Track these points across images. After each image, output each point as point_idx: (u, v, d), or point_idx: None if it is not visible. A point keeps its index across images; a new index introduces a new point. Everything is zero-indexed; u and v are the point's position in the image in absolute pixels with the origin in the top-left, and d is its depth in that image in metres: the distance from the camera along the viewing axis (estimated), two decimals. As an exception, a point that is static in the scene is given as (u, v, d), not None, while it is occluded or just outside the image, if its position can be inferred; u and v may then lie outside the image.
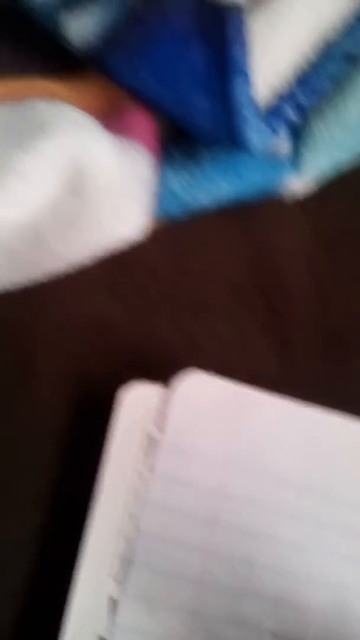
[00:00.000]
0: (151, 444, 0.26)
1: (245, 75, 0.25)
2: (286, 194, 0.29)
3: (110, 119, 0.25)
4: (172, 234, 0.29)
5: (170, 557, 0.25)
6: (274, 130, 0.27)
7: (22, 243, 0.24)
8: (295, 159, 0.28)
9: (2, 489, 0.26)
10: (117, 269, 0.28)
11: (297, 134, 0.29)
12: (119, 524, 0.25)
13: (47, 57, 0.25)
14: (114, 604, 0.25)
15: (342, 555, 0.26)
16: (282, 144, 0.28)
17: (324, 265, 0.30)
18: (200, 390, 0.26)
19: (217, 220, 0.29)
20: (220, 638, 0.25)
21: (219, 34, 0.24)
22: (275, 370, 0.29)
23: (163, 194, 0.26)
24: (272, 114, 0.27)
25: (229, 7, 0.24)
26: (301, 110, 0.27)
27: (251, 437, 0.26)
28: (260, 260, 0.30)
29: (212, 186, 0.27)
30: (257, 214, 0.30)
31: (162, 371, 0.27)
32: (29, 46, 0.25)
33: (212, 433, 0.26)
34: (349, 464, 0.27)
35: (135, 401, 0.26)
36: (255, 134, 0.26)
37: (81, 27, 0.24)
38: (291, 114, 0.27)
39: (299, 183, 0.29)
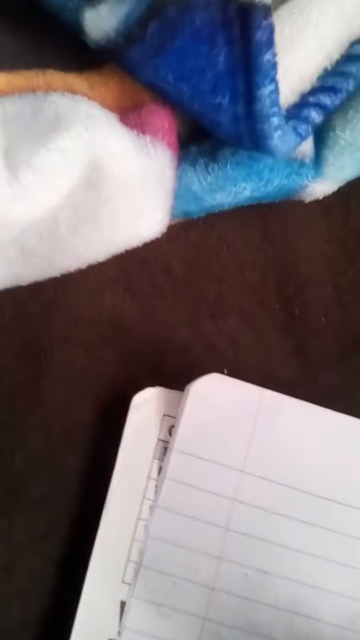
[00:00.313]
0: (163, 448, 0.26)
1: (272, 80, 0.24)
2: (308, 196, 0.29)
3: (130, 115, 0.24)
4: (189, 234, 0.29)
5: (180, 561, 0.25)
6: (298, 133, 0.26)
7: (37, 240, 0.23)
8: (319, 163, 0.28)
9: (12, 485, 0.26)
10: (132, 266, 0.28)
11: (321, 138, 0.28)
12: (129, 528, 0.25)
13: (67, 51, 0.24)
14: (124, 607, 0.24)
15: (358, 566, 0.25)
16: (306, 146, 0.28)
17: (344, 269, 0.29)
18: (216, 392, 0.26)
19: (236, 221, 0.29)
20: (231, 645, 0.24)
21: (246, 35, 0.24)
22: (293, 375, 0.29)
23: (182, 194, 0.26)
24: (296, 116, 0.26)
25: (256, 7, 0.24)
26: (325, 112, 0.27)
27: (269, 440, 0.26)
28: (279, 263, 0.29)
29: (233, 187, 0.26)
30: (277, 215, 0.29)
31: (178, 372, 0.27)
32: (49, 40, 0.24)
33: (228, 436, 0.26)
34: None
35: (148, 406, 0.26)
36: (279, 137, 0.25)
37: (101, 21, 0.23)
38: (315, 116, 0.26)
39: (321, 186, 0.28)
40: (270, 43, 0.24)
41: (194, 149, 0.26)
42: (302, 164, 0.28)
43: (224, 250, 0.29)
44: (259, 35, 0.23)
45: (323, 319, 0.29)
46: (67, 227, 0.24)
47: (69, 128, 0.22)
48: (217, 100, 0.24)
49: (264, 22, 0.23)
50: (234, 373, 0.27)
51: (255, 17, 0.23)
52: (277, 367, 0.28)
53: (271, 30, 0.24)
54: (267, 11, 0.24)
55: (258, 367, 0.28)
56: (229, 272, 0.29)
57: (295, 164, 0.27)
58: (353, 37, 0.27)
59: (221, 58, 0.24)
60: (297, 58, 0.26)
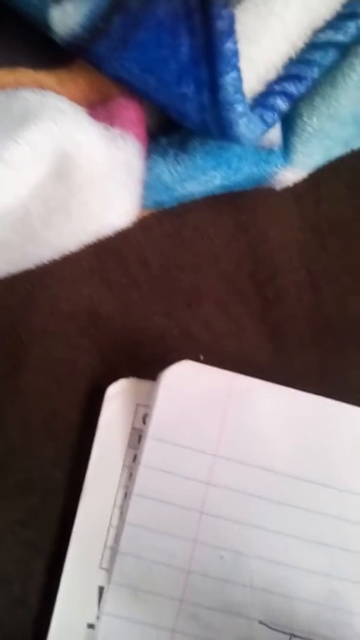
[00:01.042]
0: (137, 437, 0.26)
1: (234, 67, 0.24)
2: (278, 184, 0.29)
3: (99, 108, 0.25)
4: (164, 225, 0.29)
5: (157, 546, 0.25)
6: (264, 121, 0.26)
7: (11, 232, 0.24)
8: (287, 151, 0.28)
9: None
10: (108, 259, 0.28)
11: (289, 126, 0.28)
12: (106, 515, 0.25)
13: (36, 49, 0.24)
14: (102, 593, 0.24)
15: (332, 544, 0.26)
16: (273, 134, 0.28)
17: (317, 255, 0.29)
18: (187, 379, 0.26)
19: (209, 211, 0.29)
20: (208, 626, 0.25)
21: (207, 25, 0.24)
22: (268, 360, 0.29)
23: (153, 184, 0.26)
24: (262, 104, 0.26)
25: (216, -3, 0.24)
26: (291, 100, 0.27)
27: (241, 424, 0.26)
28: (253, 251, 0.29)
29: (203, 176, 0.26)
30: (249, 204, 0.29)
31: (155, 360, 0.27)
32: (18, 40, 0.24)
33: (201, 422, 0.26)
34: (343, 451, 0.26)
35: (122, 397, 0.26)
36: (245, 124, 0.25)
37: (66, 18, 0.23)
38: (281, 104, 0.26)
39: (291, 174, 0.28)
40: (231, 32, 0.24)
41: (163, 140, 0.26)
42: (270, 152, 0.28)
43: (198, 240, 0.29)
44: (220, 25, 0.23)
45: (297, 304, 0.29)
46: (40, 219, 0.24)
47: (37, 122, 0.22)
48: (183, 90, 0.24)
49: (224, 12, 0.23)
50: (210, 359, 0.28)
51: (216, 6, 0.23)
52: (253, 352, 0.28)
53: (231, 19, 0.24)
54: (227, 1, 0.24)
55: (234, 352, 0.28)
56: (203, 261, 0.29)
57: (264, 152, 0.27)
58: (316, 26, 0.27)
59: (184, 48, 0.24)
60: (262, 48, 0.26)
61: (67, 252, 0.25)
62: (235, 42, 0.24)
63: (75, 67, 0.25)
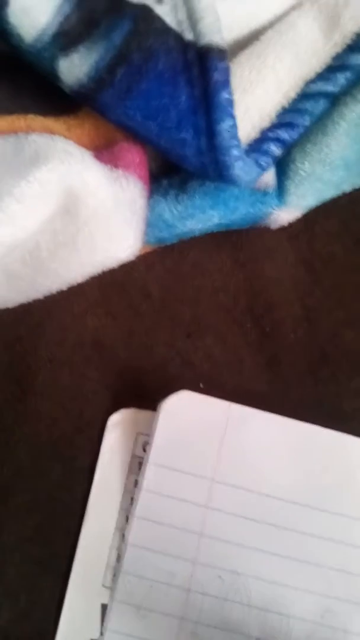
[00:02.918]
0: (138, 464, 0.26)
1: (230, 116, 0.26)
2: (273, 223, 0.30)
3: (104, 152, 0.26)
4: (166, 260, 0.30)
5: (158, 566, 0.25)
6: (259, 165, 0.27)
7: (21, 264, 0.25)
8: (282, 192, 0.29)
9: (1, 493, 0.27)
10: (113, 292, 0.29)
11: (283, 170, 0.29)
12: (108, 536, 0.26)
13: (46, 97, 0.26)
14: (105, 610, 0.25)
15: (327, 565, 0.26)
16: (268, 177, 0.29)
17: (311, 290, 0.30)
18: (186, 408, 0.27)
19: (208, 248, 0.30)
20: (208, 643, 0.25)
21: (205, 77, 0.25)
22: (265, 389, 0.29)
23: (155, 222, 0.27)
24: (257, 149, 0.27)
25: (213, 51, 0.25)
26: (284, 146, 0.28)
27: (237, 450, 0.26)
28: (250, 286, 0.30)
29: (202, 215, 0.27)
30: (246, 241, 0.30)
31: (157, 387, 0.28)
32: (29, 87, 0.26)
33: (199, 448, 0.26)
34: (336, 477, 0.27)
35: (123, 426, 0.27)
36: (240, 167, 0.26)
37: (74, 69, 0.25)
38: (274, 149, 0.27)
39: (285, 214, 0.30)
40: (226, 83, 0.25)
41: (164, 182, 0.28)
42: (265, 194, 0.29)
43: (198, 275, 0.30)
44: (217, 76, 0.25)
45: (292, 336, 0.30)
46: (48, 251, 0.25)
47: (46, 162, 0.24)
48: (182, 135, 0.25)
49: (220, 64, 0.25)
50: (209, 388, 0.28)
51: (212, 60, 0.25)
52: (250, 382, 0.29)
53: (227, 71, 0.25)
54: (223, 54, 0.25)
55: (232, 381, 0.29)
56: (203, 295, 0.30)
57: (259, 193, 0.29)
58: (308, 77, 0.28)
59: (183, 98, 0.25)
60: (257, 98, 0.27)
61: (74, 283, 0.26)
62: (230, 93, 0.25)
63: (82, 114, 0.27)
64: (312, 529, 0.26)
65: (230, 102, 0.25)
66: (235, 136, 0.26)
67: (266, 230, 0.30)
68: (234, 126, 0.25)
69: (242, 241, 0.30)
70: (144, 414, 0.27)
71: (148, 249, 0.29)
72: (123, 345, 0.29)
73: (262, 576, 0.25)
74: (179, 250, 0.30)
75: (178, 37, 0.25)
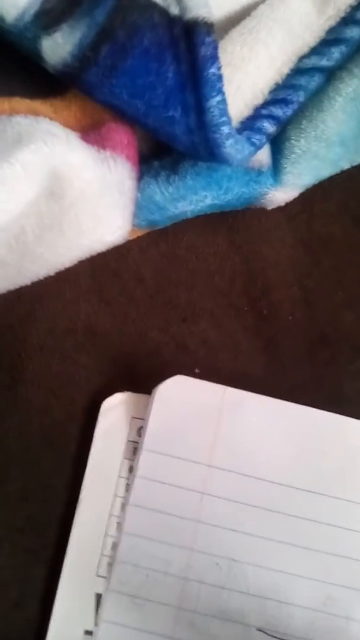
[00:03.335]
0: (132, 449, 0.26)
1: (219, 92, 0.25)
2: (269, 204, 0.29)
3: (91, 133, 0.25)
4: (159, 244, 0.29)
5: (153, 554, 0.25)
6: (252, 143, 0.27)
7: (7, 249, 0.24)
8: (277, 172, 0.28)
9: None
10: (106, 278, 0.28)
11: (279, 148, 0.29)
12: (102, 524, 0.25)
13: (33, 79, 0.25)
14: (99, 600, 0.24)
15: (327, 551, 0.25)
16: (263, 156, 0.28)
17: (309, 271, 0.30)
18: (181, 393, 0.26)
19: (203, 231, 0.29)
20: (206, 632, 0.24)
21: (192, 52, 0.24)
22: (263, 372, 0.28)
23: (146, 204, 0.26)
24: (250, 127, 0.26)
25: (200, 25, 0.24)
26: (278, 123, 0.27)
27: (233, 435, 0.26)
28: (246, 268, 0.29)
29: (194, 196, 0.27)
30: (242, 223, 0.30)
31: (152, 373, 0.27)
32: (14, 70, 0.25)
33: (195, 434, 0.26)
34: (335, 460, 0.26)
35: (117, 410, 0.26)
36: (232, 145, 0.25)
37: (57, 48, 0.24)
38: (268, 126, 0.27)
39: (281, 194, 0.29)
40: (214, 57, 0.24)
41: (155, 163, 0.27)
42: (260, 173, 0.28)
43: (193, 259, 0.29)
44: (204, 51, 0.24)
45: (290, 318, 0.29)
46: (34, 235, 0.24)
47: (29, 143, 0.23)
48: (170, 113, 0.25)
49: (207, 39, 0.24)
50: (205, 373, 0.28)
51: (199, 34, 0.24)
52: (247, 365, 0.28)
53: (214, 45, 0.24)
54: (210, 28, 0.24)
55: (229, 366, 0.28)
56: (198, 279, 0.29)
57: (254, 173, 0.28)
58: (301, 52, 0.27)
59: (170, 74, 0.24)
60: (249, 74, 0.27)
61: (62, 268, 0.26)
62: (219, 68, 0.24)
63: (69, 96, 0.26)
64: (311, 514, 0.25)
65: (219, 78, 0.24)
66: (225, 113, 0.25)
67: (263, 211, 0.29)
68: (224, 102, 0.25)
69: (239, 223, 0.30)
70: (138, 397, 0.26)
71: (140, 233, 0.28)
72: (117, 331, 0.28)
73: (260, 563, 0.25)
74: (173, 233, 0.29)
75: (163, 12, 0.24)
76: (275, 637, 0.24)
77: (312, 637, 0.24)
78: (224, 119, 0.25)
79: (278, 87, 0.27)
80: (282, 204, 0.29)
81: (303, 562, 0.25)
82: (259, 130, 0.27)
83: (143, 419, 0.26)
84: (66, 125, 0.25)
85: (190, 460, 0.25)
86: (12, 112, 0.24)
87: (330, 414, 0.26)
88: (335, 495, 0.25)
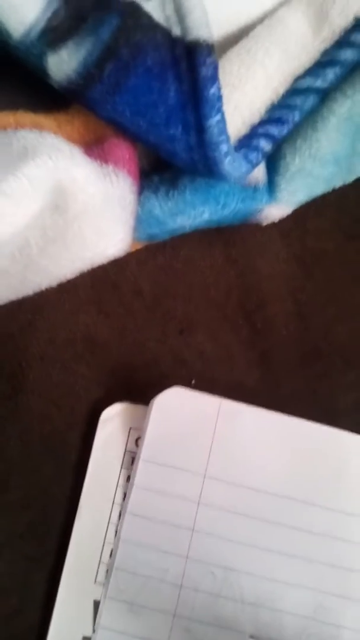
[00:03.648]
0: (130, 458, 0.26)
1: (218, 111, 0.25)
2: (264, 219, 0.30)
3: (93, 148, 0.26)
4: (157, 258, 0.30)
5: (150, 562, 0.25)
6: (249, 160, 0.27)
7: (10, 260, 0.24)
8: (272, 188, 0.29)
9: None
10: (105, 290, 0.29)
11: (274, 166, 0.29)
12: (101, 532, 0.25)
13: (37, 94, 0.26)
14: (97, 607, 0.25)
15: (319, 560, 0.26)
16: (258, 173, 0.29)
17: (303, 285, 0.30)
18: (178, 404, 0.26)
19: (200, 245, 0.30)
20: (200, 639, 0.24)
21: (193, 72, 0.25)
22: (257, 385, 0.29)
23: (146, 218, 0.27)
24: (246, 145, 0.27)
25: (201, 46, 0.25)
26: (274, 141, 0.28)
27: (229, 446, 0.26)
28: (242, 282, 0.30)
29: (192, 211, 0.27)
30: (238, 238, 0.30)
31: (149, 384, 0.28)
32: (19, 84, 0.26)
33: (191, 444, 0.26)
34: (328, 472, 0.27)
35: (116, 420, 0.27)
36: (230, 163, 0.26)
37: (62, 65, 0.24)
38: (264, 145, 0.27)
39: (276, 210, 0.29)
40: (214, 78, 0.25)
41: (155, 178, 0.28)
42: (256, 189, 0.28)
43: (189, 272, 0.30)
44: (205, 71, 0.25)
45: (284, 332, 0.29)
46: (38, 247, 0.25)
47: (35, 158, 0.23)
48: (171, 131, 0.25)
49: (208, 60, 0.25)
50: (201, 384, 0.28)
51: (200, 55, 0.25)
52: (242, 377, 0.29)
53: (215, 66, 0.25)
54: (211, 49, 0.25)
55: (224, 377, 0.29)
56: (195, 292, 0.30)
57: (250, 189, 0.28)
58: (297, 73, 0.28)
59: (172, 93, 0.25)
60: (246, 94, 0.27)
61: (64, 280, 0.26)
62: (219, 88, 0.25)
63: (72, 110, 0.27)
64: (304, 524, 0.26)
65: (219, 98, 0.25)
66: (224, 132, 0.25)
67: (258, 226, 0.30)
68: (223, 121, 0.25)
69: (234, 238, 0.30)
70: (137, 408, 0.27)
71: (139, 246, 0.28)
72: (115, 342, 0.29)
73: (254, 572, 0.25)
74: (171, 247, 0.30)
75: (166, 32, 0.25)
76: (269, 644, 0.24)
77: (305, 644, 0.25)
78: (223, 137, 0.25)
79: (274, 107, 0.28)
80: (277, 219, 0.30)
81: (295, 570, 0.25)
82: (256, 149, 0.27)
83: (141, 430, 0.26)
84: (69, 139, 0.26)
85: (186, 470, 0.26)
86: (18, 126, 0.25)
87: (323, 426, 0.27)
88: (327, 505, 0.26)
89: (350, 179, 0.30)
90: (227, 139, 0.26)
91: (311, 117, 0.28)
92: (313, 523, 0.26)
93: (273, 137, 0.28)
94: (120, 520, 0.25)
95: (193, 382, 0.28)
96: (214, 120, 0.25)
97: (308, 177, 0.29)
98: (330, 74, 0.27)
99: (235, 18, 0.29)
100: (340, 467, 0.26)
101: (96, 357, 0.28)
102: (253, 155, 0.27)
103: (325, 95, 0.28)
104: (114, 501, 0.26)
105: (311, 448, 0.26)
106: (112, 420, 0.27)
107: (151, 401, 0.26)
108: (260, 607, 0.25)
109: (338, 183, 0.30)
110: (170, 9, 0.25)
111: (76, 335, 0.28)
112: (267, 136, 0.27)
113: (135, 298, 0.29)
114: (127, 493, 0.26)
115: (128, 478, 0.26)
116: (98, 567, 0.25)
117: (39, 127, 0.25)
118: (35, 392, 0.27)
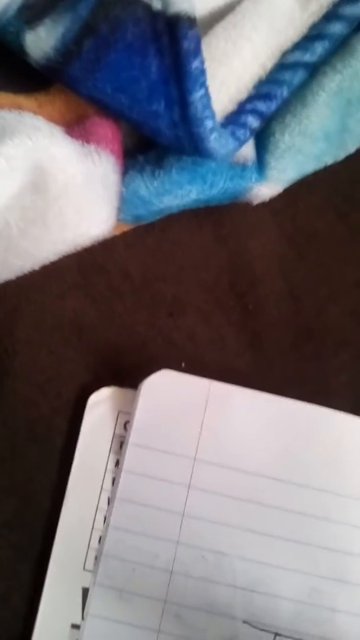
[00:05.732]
0: (119, 443, 0.26)
1: (202, 85, 0.25)
2: (254, 198, 0.29)
3: (75, 127, 0.25)
4: (146, 239, 0.29)
5: (140, 548, 0.24)
6: (236, 137, 0.26)
7: (-10, 243, 0.24)
8: (262, 167, 0.28)
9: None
10: (92, 273, 0.28)
11: (263, 144, 0.28)
12: (89, 518, 0.25)
13: (16, 73, 0.25)
14: (86, 594, 0.24)
15: (313, 543, 0.25)
16: (247, 150, 0.28)
17: (294, 265, 0.29)
18: (167, 387, 0.26)
19: (189, 226, 0.29)
20: (193, 626, 0.24)
21: (175, 46, 0.24)
22: (249, 367, 0.28)
23: (131, 199, 0.26)
24: (234, 122, 0.26)
25: (182, 20, 0.24)
26: (262, 117, 0.27)
27: (219, 428, 0.26)
28: (233, 262, 0.29)
29: (179, 190, 0.27)
30: (228, 218, 0.29)
31: (139, 368, 0.27)
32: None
33: (181, 427, 0.26)
34: (320, 453, 0.26)
35: (104, 405, 0.26)
36: (216, 139, 0.25)
37: (40, 42, 0.24)
38: (252, 121, 0.27)
39: (266, 188, 0.29)
40: (197, 51, 0.24)
41: (140, 157, 0.27)
42: (245, 167, 0.28)
43: (179, 253, 0.29)
44: (187, 45, 0.24)
45: (276, 313, 0.29)
46: (18, 229, 0.24)
47: (13, 137, 0.23)
48: (154, 107, 0.25)
49: (190, 33, 0.24)
50: (192, 367, 0.27)
51: (182, 28, 0.24)
52: (233, 359, 0.28)
53: (197, 39, 0.24)
54: (192, 22, 0.24)
55: (215, 360, 0.28)
56: (184, 273, 0.29)
57: (238, 167, 0.28)
58: (285, 47, 0.27)
59: (153, 68, 0.24)
60: (233, 69, 0.26)
61: (48, 262, 0.26)
62: (202, 62, 0.24)
63: (53, 90, 0.26)
64: (296, 506, 0.25)
65: (202, 72, 0.24)
66: (208, 107, 0.25)
67: (248, 206, 0.29)
68: (207, 96, 0.24)
69: (224, 218, 0.30)
70: (125, 392, 0.26)
71: (126, 228, 0.28)
72: (103, 326, 0.28)
73: (246, 556, 0.24)
74: (159, 228, 0.29)
75: (146, 6, 0.24)
76: (261, 628, 0.24)
77: (298, 629, 0.24)
78: (207, 113, 0.25)
79: (262, 82, 0.27)
80: (267, 198, 0.29)
81: (289, 554, 0.25)
82: (243, 125, 0.26)
83: (129, 414, 0.26)
84: (50, 119, 0.25)
85: (176, 454, 0.25)
86: (-3, 107, 0.24)
87: (316, 406, 0.26)
88: (320, 487, 0.25)
89: (340, 155, 0.29)
90: (212, 114, 0.25)
91: (300, 93, 0.28)
92: (306, 505, 0.25)
93: (261, 113, 0.27)
94: (109, 505, 0.25)
95: (183, 365, 0.28)
96: (197, 95, 0.24)
97: (298, 154, 0.28)
98: (319, 47, 0.27)
99: (221, -7, 0.28)
100: (333, 447, 0.26)
101: (83, 341, 0.28)
102: (240, 132, 0.26)
103: (314, 70, 0.27)
104: (102, 487, 0.25)
105: (304, 429, 0.26)
106: (100, 404, 0.26)
107: (140, 384, 0.26)
108: (253, 591, 0.24)
109: (329, 160, 0.29)
110: (150, -18, 0.24)
111: (63, 319, 0.28)
112: (255, 112, 0.27)
113: (124, 281, 0.28)
114: (116, 478, 0.25)
115: (117, 463, 0.25)
116: (86, 554, 0.24)
117: (19, 108, 0.25)
118: (21, 377, 0.27)
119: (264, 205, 0.29)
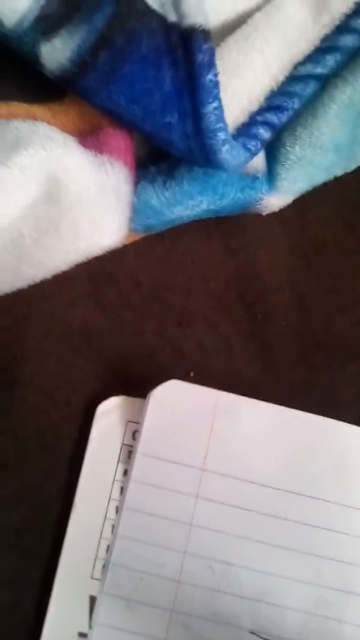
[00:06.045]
0: (127, 452, 0.26)
1: (215, 98, 0.25)
2: (264, 209, 0.29)
3: (88, 138, 0.25)
4: (155, 249, 0.29)
5: (147, 558, 0.25)
6: (247, 149, 0.27)
7: (3, 252, 0.24)
8: (272, 178, 0.28)
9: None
10: (102, 282, 0.28)
11: (274, 155, 0.29)
12: (97, 527, 0.25)
13: (32, 84, 0.25)
14: (93, 603, 0.24)
15: (319, 554, 0.25)
16: (258, 162, 0.28)
17: (303, 276, 0.29)
18: (175, 397, 0.26)
19: (199, 236, 0.29)
20: (200, 635, 0.24)
21: (189, 58, 0.24)
22: (257, 377, 0.28)
23: (143, 209, 0.26)
24: (245, 133, 0.26)
25: (197, 32, 0.24)
26: (273, 129, 0.27)
27: (227, 439, 0.26)
28: (241, 273, 0.29)
29: (190, 201, 0.27)
30: (238, 229, 0.30)
31: (147, 377, 0.27)
32: (13, 75, 0.25)
33: (189, 438, 0.26)
34: (328, 464, 0.26)
35: (113, 414, 0.26)
36: (228, 151, 0.25)
37: (56, 53, 0.24)
38: (263, 133, 0.27)
39: (276, 199, 0.29)
40: (211, 64, 0.24)
41: (152, 168, 0.27)
42: (255, 179, 0.28)
43: (188, 263, 0.29)
44: (201, 58, 0.24)
45: (284, 323, 0.29)
46: (32, 239, 0.24)
47: (27, 147, 0.23)
48: (167, 119, 0.25)
49: (204, 46, 0.24)
50: (200, 377, 0.28)
51: (196, 41, 0.24)
52: (242, 369, 0.28)
53: (211, 52, 0.24)
54: (207, 36, 0.24)
55: (223, 370, 0.28)
56: (193, 284, 0.29)
57: (249, 179, 0.28)
58: (296, 59, 0.27)
59: (167, 80, 0.24)
60: (245, 81, 0.27)
61: (59, 272, 0.26)
62: (215, 74, 0.24)
63: (68, 100, 0.26)
64: (303, 517, 0.25)
65: (216, 84, 0.24)
66: (221, 119, 0.25)
67: (258, 217, 0.29)
68: (220, 109, 0.25)
69: (234, 228, 0.30)
70: (134, 401, 0.26)
71: (136, 237, 0.28)
72: (112, 334, 0.28)
73: (253, 566, 0.24)
74: (169, 238, 0.29)
75: (161, 18, 0.24)
76: (268, 638, 0.24)
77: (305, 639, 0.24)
78: (220, 125, 0.25)
79: (273, 94, 0.27)
80: (277, 209, 0.29)
81: (295, 564, 0.25)
82: (254, 137, 0.27)
83: (138, 423, 0.26)
84: (64, 129, 0.25)
85: (184, 464, 0.25)
86: (11, 117, 0.24)
87: (323, 418, 0.26)
88: (327, 498, 0.25)
89: (351, 167, 0.29)
90: (225, 126, 0.25)
91: (311, 105, 0.28)
92: (313, 516, 0.25)
93: (272, 125, 0.27)
94: (117, 515, 0.25)
95: (192, 374, 0.28)
96: (210, 107, 0.24)
97: (308, 165, 0.28)
98: (331, 60, 0.27)
99: (233, 5, 0.28)
100: (341, 459, 0.26)
101: (93, 349, 0.28)
102: (252, 144, 0.27)
103: (325, 82, 0.27)
104: (110, 496, 0.25)
105: (311, 440, 0.26)
106: (109, 413, 0.26)
107: (148, 394, 0.26)
108: (260, 601, 0.24)
109: (339, 171, 0.29)
110: (165, -5, 0.24)
111: (72, 327, 0.28)
112: (266, 124, 0.27)
113: (133, 290, 0.29)
114: (124, 487, 0.25)
115: (125, 472, 0.26)
116: (94, 563, 0.25)
117: (33, 118, 0.25)
118: (30, 385, 0.27)
119: (273, 215, 0.29)
